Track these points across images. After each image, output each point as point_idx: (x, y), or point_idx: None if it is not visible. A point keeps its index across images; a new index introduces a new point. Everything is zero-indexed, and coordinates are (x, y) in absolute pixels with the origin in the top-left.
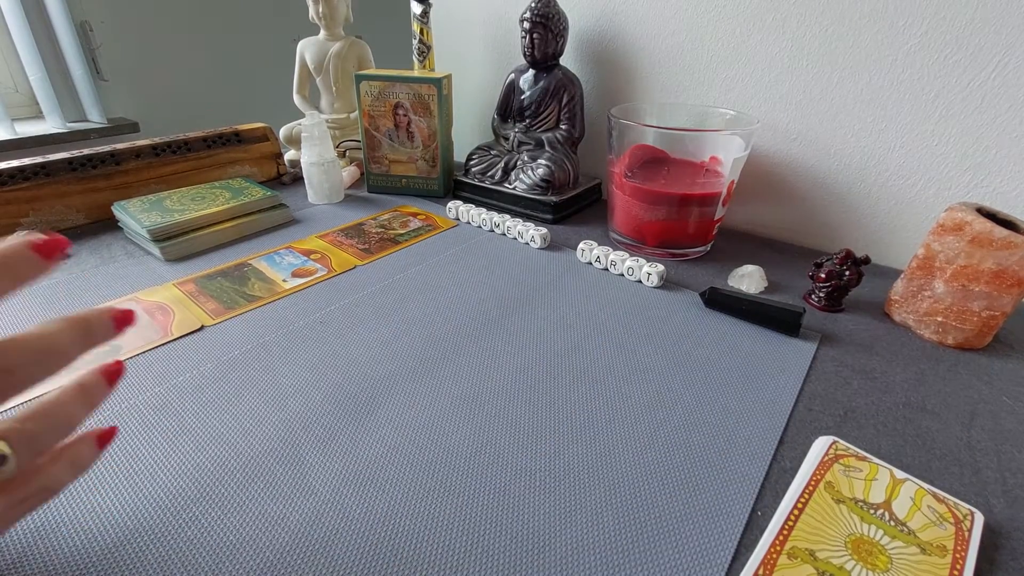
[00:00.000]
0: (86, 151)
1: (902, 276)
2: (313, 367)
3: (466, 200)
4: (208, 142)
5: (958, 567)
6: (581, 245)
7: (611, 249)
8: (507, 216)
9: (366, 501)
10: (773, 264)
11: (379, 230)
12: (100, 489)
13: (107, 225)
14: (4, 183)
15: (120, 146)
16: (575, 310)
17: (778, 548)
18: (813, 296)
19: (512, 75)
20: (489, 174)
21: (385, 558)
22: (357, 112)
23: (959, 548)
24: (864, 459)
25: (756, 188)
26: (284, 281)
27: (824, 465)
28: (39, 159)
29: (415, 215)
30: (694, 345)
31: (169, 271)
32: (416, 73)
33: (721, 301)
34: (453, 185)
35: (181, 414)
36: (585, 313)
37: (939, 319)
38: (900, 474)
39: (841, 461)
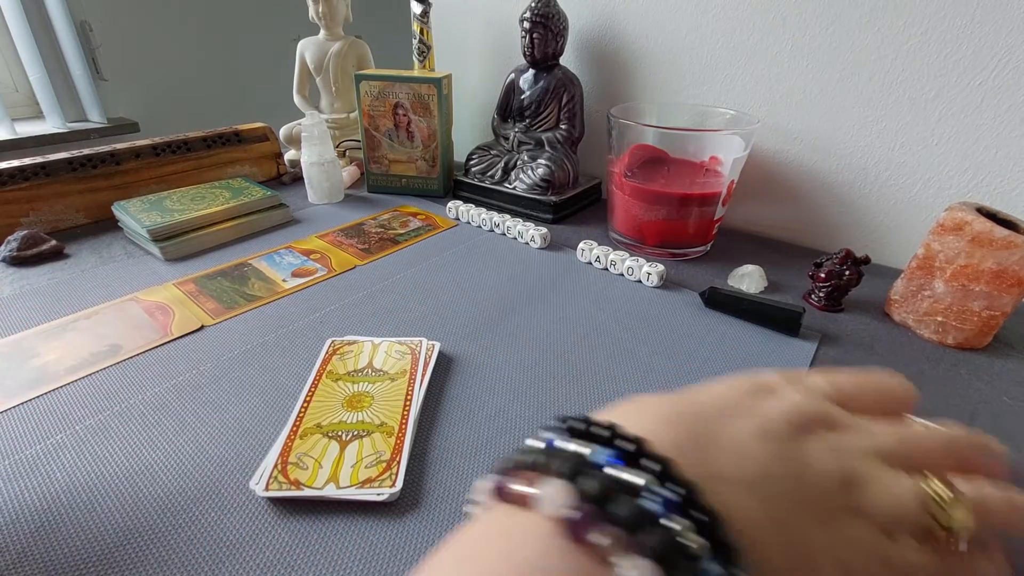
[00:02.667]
0: (86, 151)
1: (902, 276)
2: (313, 367)
3: (466, 200)
4: (208, 142)
5: (413, 373)
6: (581, 245)
7: (611, 249)
8: (507, 216)
9: (364, 501)
10: (773, 264)
11: (379, 230)
12: (100, 489)
13: (107, 225)
14: (4, 183)
15: (120, 146)
16: (575, 310)
17: (292, 436)
18: (813, 296)
19: (512, 75)
20: (489, 174)
21: (383, 558)
22: (357, 112)
23: (414, 365)
24: (354, 342)
25: (756, 188)
26: (284, 281)
27: (325, 361)
28: (39, 159)
29: (415, 215)
30: (694, 345)
31: (169, 271)
32: (416, 73)
33: (721, 301)
34: (453, 185)
35: (181, 414)
36: (585, 313)
37: (939, 319)
38: (377, 340)
39: (338, 352)
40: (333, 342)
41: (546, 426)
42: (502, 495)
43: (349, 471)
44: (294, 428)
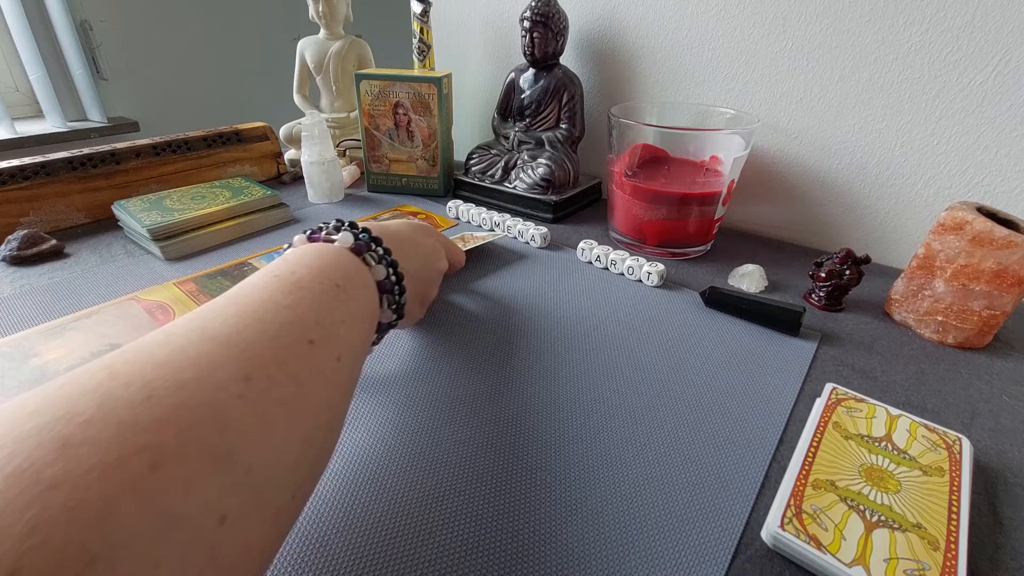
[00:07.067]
0: (86, 150)
1: (902, 275)
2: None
3: (466, 199)
4: (208, 141)
5: (955, 484)
6: (581, 244)
7: (611, 248)
8: (507, 215)
9: (365, 501)
10: (773, 263)
11: None
12: None
13: (107, 224)
14: (4, 182)
15: (120, 145)
16: (575, 309)
17: (803, 481)
18: (813, 295)
19: (512, 74)
20: (489, 173)
21: (384, 558)
22: (357, 111)
23: (954, 468)
24: (862, 400)
25: (756, 187)
26: None
27: (829, 408)
28: (39, 158)
29: (415, 214)
30: (694, 345)
31: (169, 270)
32: (416, 72)
33: (721, 300)
34: (453, 184)
35: None
36: (585, 312)
37: (939, 318)
38: (894, 411)
39: (843, 404)
40: (835, 390)
41: (334, 225)
42: (311, 239)
43: (883, 565)
44: (803, 472)
